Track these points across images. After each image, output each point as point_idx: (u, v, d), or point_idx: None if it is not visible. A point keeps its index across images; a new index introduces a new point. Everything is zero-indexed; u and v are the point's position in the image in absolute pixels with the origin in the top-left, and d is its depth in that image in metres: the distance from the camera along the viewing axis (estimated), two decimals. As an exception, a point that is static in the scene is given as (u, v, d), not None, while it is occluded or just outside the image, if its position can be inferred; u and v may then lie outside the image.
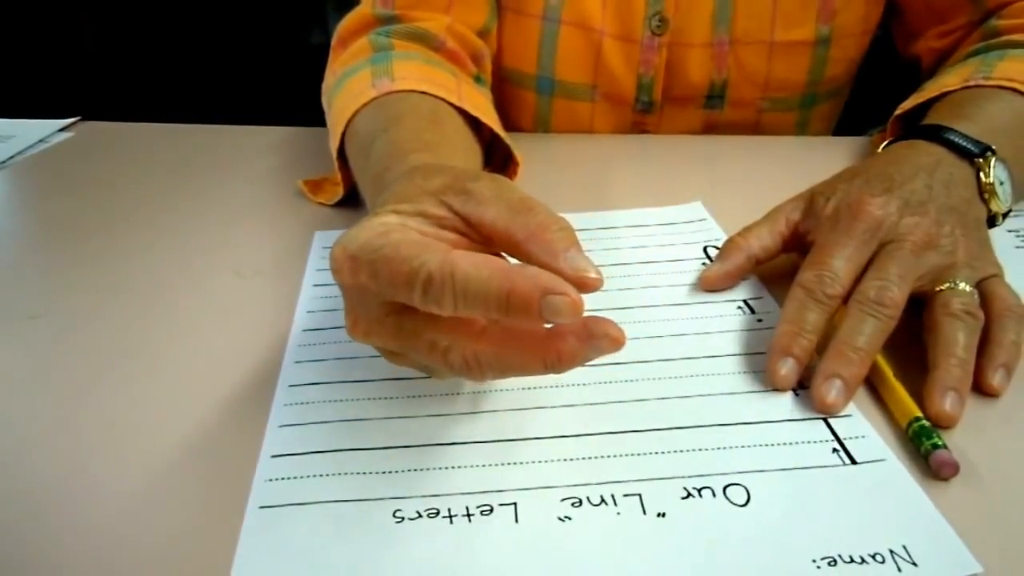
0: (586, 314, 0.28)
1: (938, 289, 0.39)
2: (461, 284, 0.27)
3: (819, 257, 0.40)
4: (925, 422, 0.34)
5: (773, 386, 0.37)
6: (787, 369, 0.37)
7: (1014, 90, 0.50)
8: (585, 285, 0.29)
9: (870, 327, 0.37)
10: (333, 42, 0.63)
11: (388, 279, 0.29)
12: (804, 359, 0.37)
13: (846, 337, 0.37)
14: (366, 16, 0.61)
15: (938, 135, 0.46)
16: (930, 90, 0.54)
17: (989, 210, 0.44)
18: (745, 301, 0.44)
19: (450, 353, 0.30)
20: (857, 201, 0.41)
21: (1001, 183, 0.44)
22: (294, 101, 0.62)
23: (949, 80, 0.54)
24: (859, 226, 0.40)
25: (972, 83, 0.52)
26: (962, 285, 0.38)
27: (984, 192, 0.44)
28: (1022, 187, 0.47)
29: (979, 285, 0.39)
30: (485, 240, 0.32)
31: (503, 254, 0.32)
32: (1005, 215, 0.45)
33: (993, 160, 0.44)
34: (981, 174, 0.44)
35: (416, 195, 0.32)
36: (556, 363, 0.29)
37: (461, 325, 0.30)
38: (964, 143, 0.45)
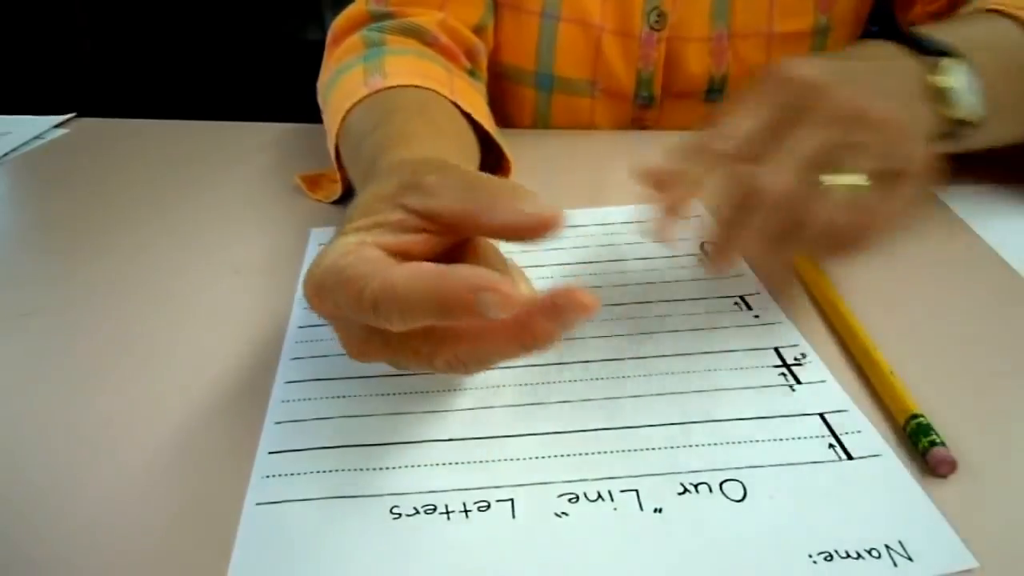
0: (585, 337, 0.28)
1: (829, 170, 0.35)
2: (402, 300, 0.28)
3: (721, 118, 0.37)
4: (923, 419, 0.34)
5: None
6: (657, 221, 0.36)
7: (999, 12, 0.47)
8: (546, 224, 0.29)
9: (759, 216, 0.34)
10: (328, 39, 0.63)
11: (347, 305, 0.29)
12: (670, 204, 0.36)
13: (722, 214, 0.35)
14: (360, 13, 0.61)
15: (900, 36, 0.42)
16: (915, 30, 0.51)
17: (947, 117, 0.40)
18: (741, 297, 0.44)
19: (434, 358, 0.31)
20: (779, 65, 0.38)
21: (959, 89, 0.40)
22: (291, 98, 0.62)
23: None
24: (776, 86, 0.37)
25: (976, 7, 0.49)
26: (850, 179, 0.35)
27: (937, 97, 0.40)
28: (1006, 106, 0.43)
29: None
30: (448, 230, 0.32)
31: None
32: (967, 125, 0.41)
33: (953, 63, 0.40)
34: (930, 75, 0.40)
35: (373, 205, 0.32)
36: (532, 344, 0.29)
37: (434, 331, 0.30)
38: (931, 42, 0.41)
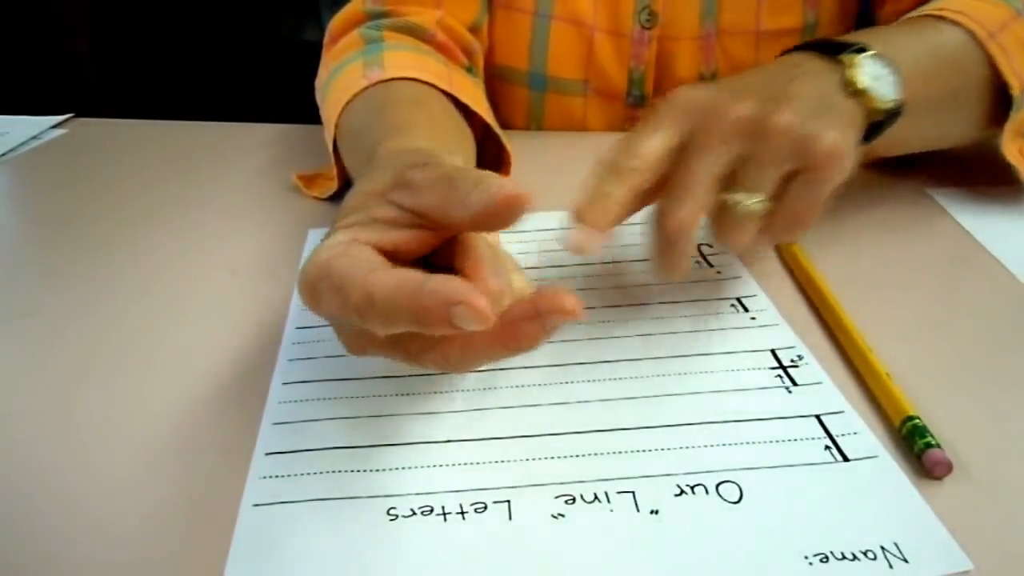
0: (583, 338, 0.28)
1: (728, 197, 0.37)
2: (381, 309, 0.28)
3: (622, 141, 0.38)
4: (919, 421, 0.34)
5: (569, 247, 0.36)
6: (577, 234, 0.36)
7: (935, 16, 0.48)
8: (511, 203, 0.29)
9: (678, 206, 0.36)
10: (325, 39, 0.63)
11: (336, 309, 0.29)
12: (599, 226, 0.37)
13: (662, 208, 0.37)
14: (357, 13, 0.62)
15: (806, 46, 0.43)
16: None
17: (870, 110, 0.41)
18: (738, 299, 0.44)
19: (422, 357, 0.31)
20: (672, 92, 0.39)
21: (877, 78, 0.41)
22: (289, 98, 0.62)
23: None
24: (670, 110, 0.38)
25: (914, 14, 0.50)
26: (752, 201, 0.37)
27: (849, 89, 0.40)
28: (921, 103, 0.44)
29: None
30: (436, 226, 0.32)
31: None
32: (897, 111, 0.41)
33: (862, 57, 0.41)
34: (847, 72, 0.40)
35: (363, 201, 0.32)
36: (517, 347, 0.29)
37: (421, 333, 0.30)
38: (827, 43, 0.42)
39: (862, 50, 0.41)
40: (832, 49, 0.42)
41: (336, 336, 0.33)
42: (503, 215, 0.29)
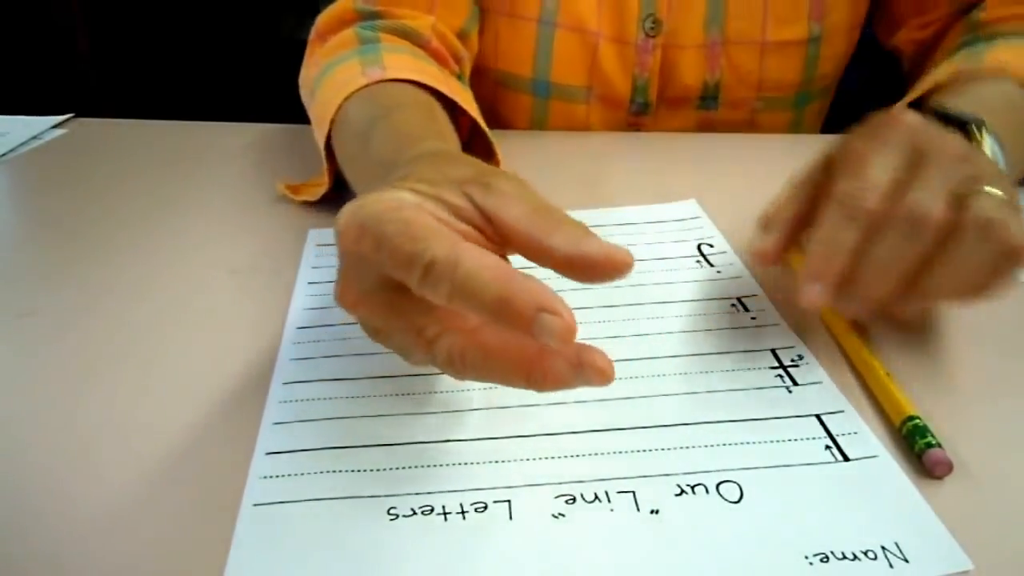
0: (582, 339, 0.27)
1: (972, 191, 0.34)
2: (461, 278, 0.27)
3: (855, 167, 0.36)
4: (919, 421, 0.34)
5: (801, 306, 0.35)
6: (816, 294, 0.34)
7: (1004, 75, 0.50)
8: (614, 263, 0.29)
9: (903, 250, 0.33)
10: (311, 36, 0.62)
11: (390, 254, 0.28)
12: (835, 282, 0.34)
13: (876, 259, 0.34)
14: (347, 11, 0.61)
15: (929, 109, 0.43)
16: (921, 86, 0.54)
17: None
18: (739, 299, 0.44)
19: (437, 343, 0.30)
20: (891, 114, 0.38)
21: (995, 153, 0.42)
22: (289, 97, 0.62)
23: (939, 74, 0.54)
24: (895, 133, 0.36)
25: (962, 74, 0.52)
26: (994, 191, 0.35)
27: None
28: (1016, 165, 0.45)
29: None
30: (501, 238, 0.31)
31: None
32: None
33: (984, 132, 0.42)
34: (973, 143, 0.41)
35: (438, 180, 0.32)
36: (540, 381, 0.29)
37: (454, 317, 0.30)
38: (955, 114, 0.42)
39: (982, 124, 0.42)
40: (942, 116, 0.42)
41: (337, 281, 0.32)
42: (596, 270, 0.29)
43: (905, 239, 0.33)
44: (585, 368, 0.28)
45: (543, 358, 0.29)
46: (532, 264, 0.31)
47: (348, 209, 0.30)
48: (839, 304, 0.34)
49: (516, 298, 0.27)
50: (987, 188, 0.34)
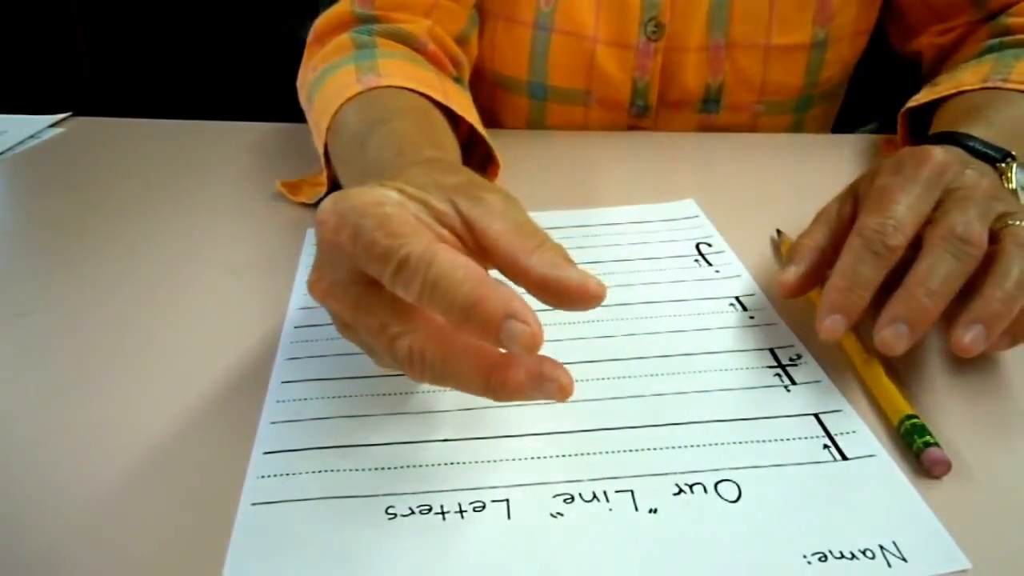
0: (581, 337, 0.27)
1: (1006, 224, 0.36)
2: (434, 276, 0.27)
3: (881, 203, 0.36)
4: (917, 420, 0.34)
5: (821, 338, 0.35)
6: (835, 326, 0.35)
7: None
8: (587, 294, 0.29)
9: (949, 267, 0.34)
10: (309, 39, 0.62)
11: (366, 247, 0.28)
12: (855, 316, 0.35)
13: (921, 277, 0.34)
14: (345, 14, 0.61)
15: (958, 141, 0.44)
16: (945, 87, 0.54)
17: None
18: (737, 298, 0.44)
19: (398, 340, 0.30)
20: (920, 150, 0.38)
21: (1021, 188, 0.43)
22: (289, 97, 0.62)
23: (966, 78, 0.53)
24: (925, 170, 0.37)
25: (991, 84, 0.51)
26: None
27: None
28: None
29: None
30: (481, 250, 0.31)
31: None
32: None
33: (1014, 166, 0.42)
34: (1003, 179, 0.42)
35: (427, 184, 0.32)
36: (498, 389, 0.29)
37: (419, 316, 0.30)
38: (984, 149, 0.43)
39: (1009, 155, 0.42)
40: (969, 148, 0.42)
41: (313, 268, 0.32)
42: (568, 296, 0.29)
43: (944, 256, 0.34)
44: (546, 381, 0.28)
45: (504, 366, 0.29)
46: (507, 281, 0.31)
47: (331, 199, 0.31)
48: (877, 329, 0.34)
49: (486, 301, 0.27)
50: (1020, 223, 0.35)
